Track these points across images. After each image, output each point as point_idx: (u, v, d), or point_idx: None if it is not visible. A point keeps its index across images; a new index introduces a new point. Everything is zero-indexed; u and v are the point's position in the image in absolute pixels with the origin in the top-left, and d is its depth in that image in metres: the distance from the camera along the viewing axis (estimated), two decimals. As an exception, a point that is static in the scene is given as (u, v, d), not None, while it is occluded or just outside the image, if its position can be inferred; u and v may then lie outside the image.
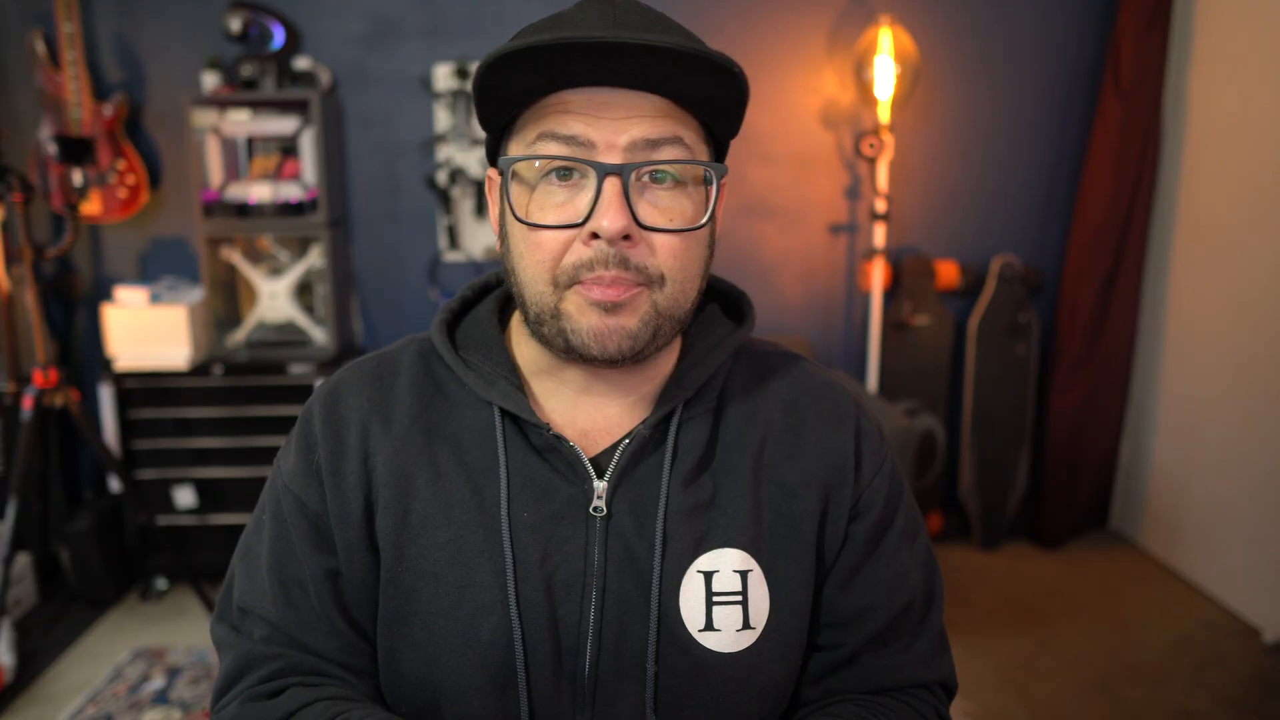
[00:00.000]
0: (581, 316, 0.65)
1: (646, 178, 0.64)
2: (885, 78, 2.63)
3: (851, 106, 2.80)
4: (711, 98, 0.65)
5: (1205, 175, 2.66)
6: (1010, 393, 2.89)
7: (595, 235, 0.62)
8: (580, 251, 0.63)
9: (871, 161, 2.74)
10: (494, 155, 0.72)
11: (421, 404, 0.73)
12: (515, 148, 0.67)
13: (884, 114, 2.68)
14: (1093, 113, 2.81)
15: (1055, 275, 2.94)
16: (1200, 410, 2.65)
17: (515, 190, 0.66)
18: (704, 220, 0.66)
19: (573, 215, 0.63)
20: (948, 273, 2.84)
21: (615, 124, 0.63)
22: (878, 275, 2.79)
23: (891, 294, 2.89)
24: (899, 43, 2.64)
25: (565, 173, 0.64)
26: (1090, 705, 2.07)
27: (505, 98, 0.66)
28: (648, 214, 0.63)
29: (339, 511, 0.70)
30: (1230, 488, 2.52)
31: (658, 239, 0.64)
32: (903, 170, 2.84)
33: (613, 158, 0.63)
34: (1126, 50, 2.68)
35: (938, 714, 0.72)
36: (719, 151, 0.71)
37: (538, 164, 0.65)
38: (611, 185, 0.62)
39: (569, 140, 0.63)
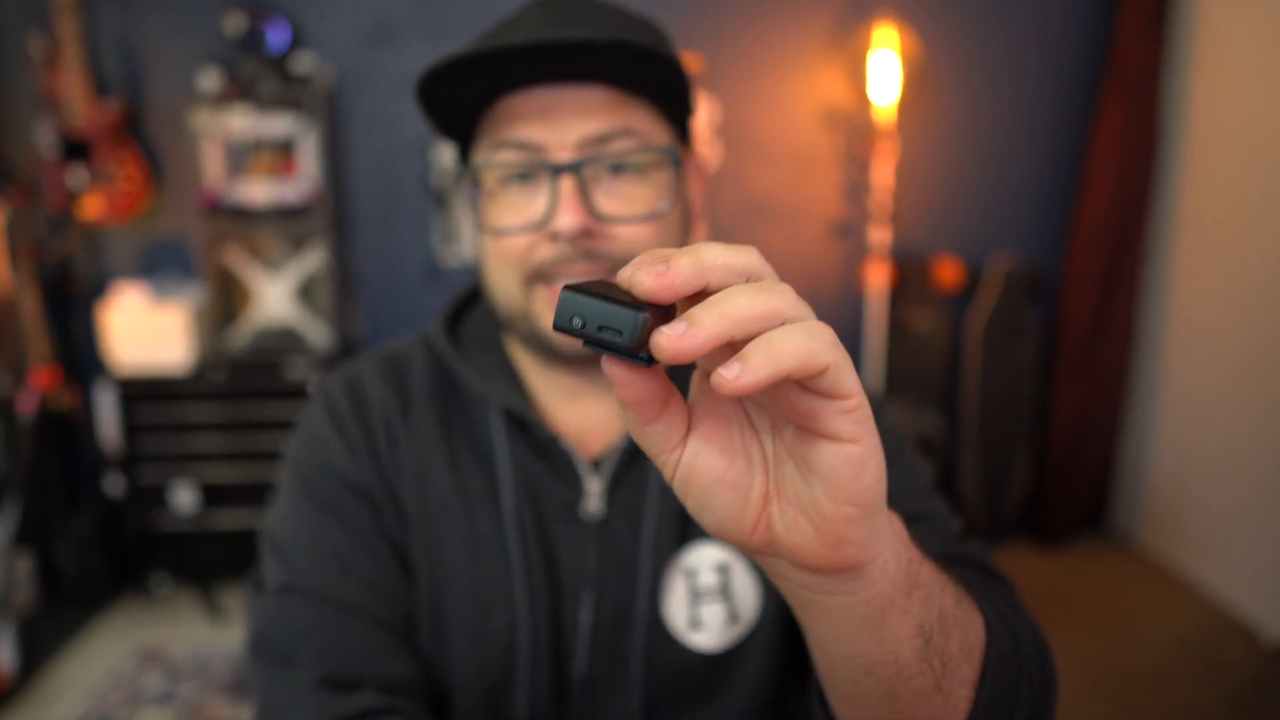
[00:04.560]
0: (548, 316, 0.66)
1: (604, 171, 0.64)
2: (884, 77, 2.63)
3: (851, 106, 2.80)
4: (658, 82, 0.65)
5: (1205, 174, 2.65)
6: (1011, 392, 2.88)
7: (557, 234, 0.63)
8: (544, 251, 0.64)
9: (865, 164, 2.74)
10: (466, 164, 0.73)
11: (438, 398, 0.74)
12: (478, 156, 0.68)
13: (881, 115, 2.68)
14: (1093, 112, 2.81)
15: (1056, 275, 2.93)
16: (1201, 409, 2.65)
17: (480, 199, 0.68)
18: (663, 204, 0.66)
19: (533, 216, 0.64)
20: (948, 272, 2.84)
21: (564, 123, 0.63)
22: (878, 275, 2.79)
23: (892, 294, 2.89)
24: (899, 42, 2.64)
25: (525, 176, 0.65)
26: (1091, 706, 2.07)
27: (457, 108, 0.67)
28: (607, 206, 0.64)
29: (381, 486, 0.70)
30: (1231, 487, 2.51)
31: (622, 229, 0.64)
32: (903, 169, 2.83)
33: (565, 156, 0.63)
34: (1126, 50, 2.68)
35: (986, 568, 0.63)
36: (683, 134, 0.71)
37: (495, 171, 0.66)
38: (567, 183, 0.63)
39: (521, 145, 0.64)
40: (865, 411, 0.34)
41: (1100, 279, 2.80)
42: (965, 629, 0.45)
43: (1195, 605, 2.52)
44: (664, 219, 0.66)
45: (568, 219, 0.62)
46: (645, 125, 0.66)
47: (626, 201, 0.65)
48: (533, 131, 0.64)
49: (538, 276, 0.65)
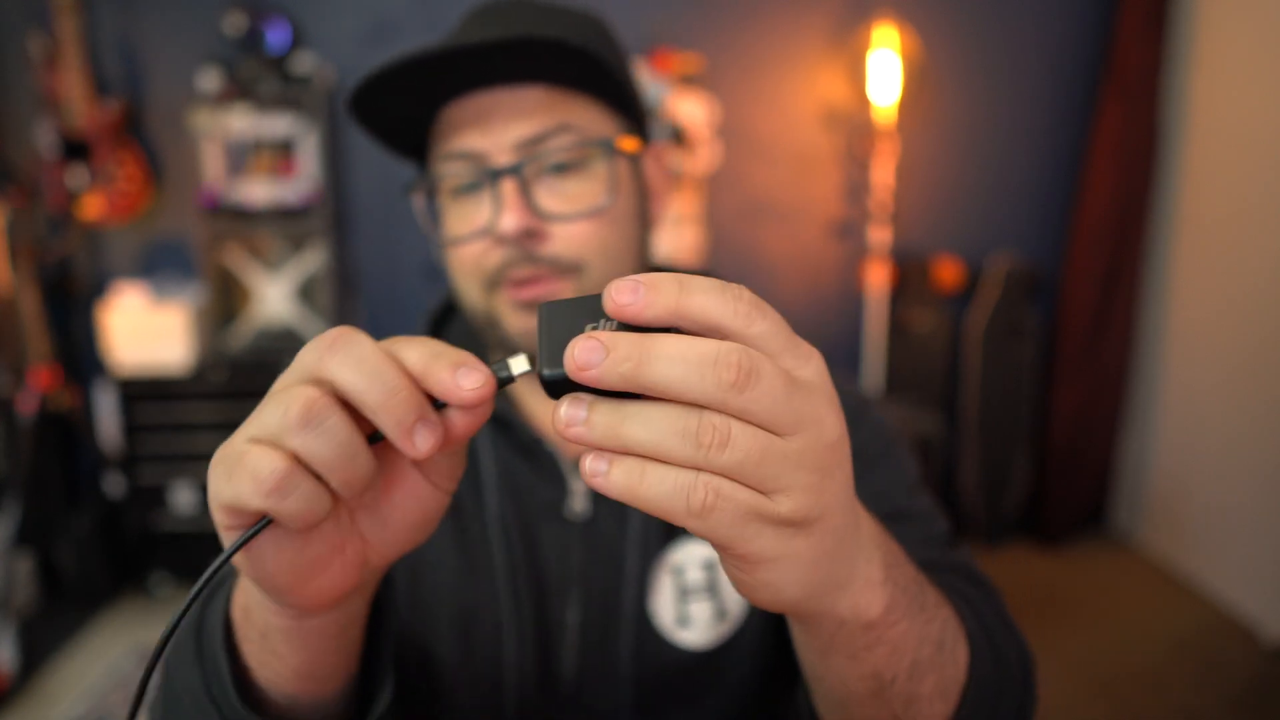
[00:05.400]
0: (511, 318, 0.66)
1: (547, 170, 0.64)
2: (884, 77, 2.64)
3: (851, 106, 2.80)
4: (594, 76, 0.65)
5: (1205, 174, 2.65)
6: (1011, 392, 2.88)
7: (502, 237, 0.63)
8: (494, 255, 0.65)
9: (865, 164, 2.74)
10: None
11: None
12: (431, 171, 0.69)
13: (881, 115, 2.68)
14: (1093, 112, 2.81)
15: (1056, 275, 2.93)
16: (1201, 409, 2.65)
17: (436, 212, 0.69)
18: (604, 198, 0.65)
19: (480, 223, 0.65)
20: (948, 272, 2.84)
21: (500, 127, 0.63)
22: (878, 275, 2.79)
23: (892, 294, 2.89)
24: (899, 42, 2.64)
25: (472, 185, 0.65)
26: (1091, 707, 2.07)
27: (398, 125, 0.67)
28: (551, 204, 0.64)
29: None
30: (1231, 487, 2.51)
31: (565, 227, 0.64)
32: (903, 170, 2.83)
33: (503, 160, 0.63)
34: (1126, 50, 2.68)
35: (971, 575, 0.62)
36: (639, 123, 0.71)
37: (441, 184, 0.66)
38: (507, 186, 0.63)
39: (463, 155, 0.64)
40: (764, 557, 0.32)
41: (1100, 279, 2.80)
42: (944, 670, 0.44)
43: (1195, 605, 2.52)
44: (610, 212, 0.66)
45: (508, 221, 0.62)
46: (585, 120, 0.65)
47: (569, 199, 0.64)
48: (473, 140, 0.64)
49: (495, 282, 0.66)
